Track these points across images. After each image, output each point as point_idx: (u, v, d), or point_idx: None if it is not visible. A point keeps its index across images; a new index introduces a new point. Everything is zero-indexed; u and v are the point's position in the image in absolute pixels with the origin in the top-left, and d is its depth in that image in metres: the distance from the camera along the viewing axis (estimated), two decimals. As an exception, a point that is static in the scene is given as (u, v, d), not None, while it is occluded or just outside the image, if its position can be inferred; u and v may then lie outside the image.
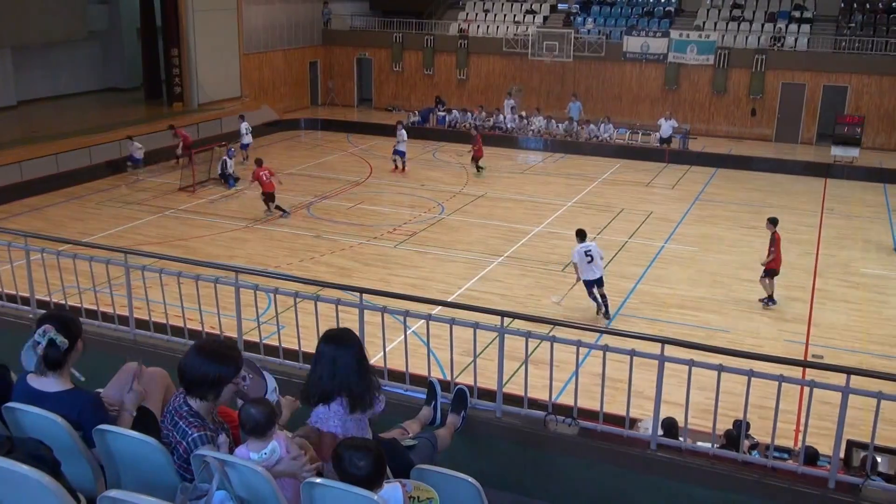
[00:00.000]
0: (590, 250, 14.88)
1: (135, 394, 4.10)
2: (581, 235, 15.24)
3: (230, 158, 24.57)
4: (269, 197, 21.08)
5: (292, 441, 4.03)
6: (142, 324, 7.56)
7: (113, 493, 2.97)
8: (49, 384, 3.93)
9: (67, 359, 3.97)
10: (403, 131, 26.58)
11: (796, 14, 32.75)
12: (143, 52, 33.25)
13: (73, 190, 23.11)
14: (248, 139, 27.59)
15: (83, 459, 3.82)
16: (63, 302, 8.01)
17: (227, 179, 24.36)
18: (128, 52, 34.62)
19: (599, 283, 15.00)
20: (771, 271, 15.83)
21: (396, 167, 26.58)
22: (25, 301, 7.93)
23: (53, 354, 3.91)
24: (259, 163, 21.52)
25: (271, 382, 4.58)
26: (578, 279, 15.07)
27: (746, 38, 32.27)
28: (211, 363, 3.84)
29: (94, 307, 7.63)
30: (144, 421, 4.03)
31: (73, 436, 3.78)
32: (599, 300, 15.06)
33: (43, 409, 3.79)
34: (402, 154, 26.52)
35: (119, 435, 3.77)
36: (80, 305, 7.78)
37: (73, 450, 3.77)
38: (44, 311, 5.59)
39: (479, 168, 26.67)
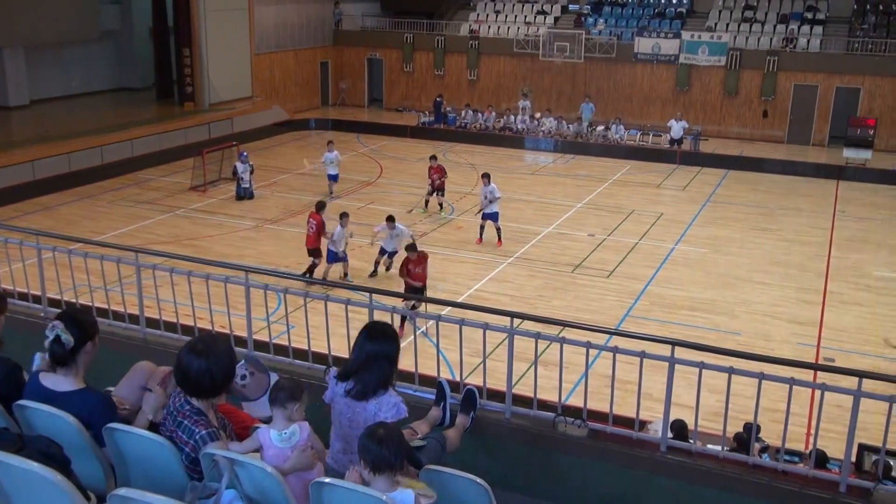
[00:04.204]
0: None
1: (157, 397, 4.05)
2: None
3: (243, 164, 22.70)
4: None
5: (314, 435, 4.09)
6: (152, 323, 7.57)
7: (122, 491, 2.98)
8: (61, 383, 3.93)
9: (77, 358, 3.95)
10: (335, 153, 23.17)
11: (809, 15, 32.60)
12: (155, 51, 33.37)
13: (85, 189, 23.19)
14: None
15: (93, 458, 3.83)
16: (74, 300, 8.03)
17: (242, 194, 22.73)
18: (140, 52, 34.73)
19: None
20: None
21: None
22: (37, 299, 7.95)
23: (58, 351, 3.89)
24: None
25: (274, 378, 4.62)
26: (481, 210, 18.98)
27: (759, 39, 32.13)
28: (208, 361, 3.76)
29: (105, 306, 7.65)
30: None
31: (84, 434, 3.78)
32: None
33: (54, 407, 3.79)
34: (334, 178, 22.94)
35: (128, 434, 3.77)
36: (91, 304, 7.80)
37: (83, 448, 3.78)
38: (56, 310, 5.59)
39: (440, 205, 22.27)
